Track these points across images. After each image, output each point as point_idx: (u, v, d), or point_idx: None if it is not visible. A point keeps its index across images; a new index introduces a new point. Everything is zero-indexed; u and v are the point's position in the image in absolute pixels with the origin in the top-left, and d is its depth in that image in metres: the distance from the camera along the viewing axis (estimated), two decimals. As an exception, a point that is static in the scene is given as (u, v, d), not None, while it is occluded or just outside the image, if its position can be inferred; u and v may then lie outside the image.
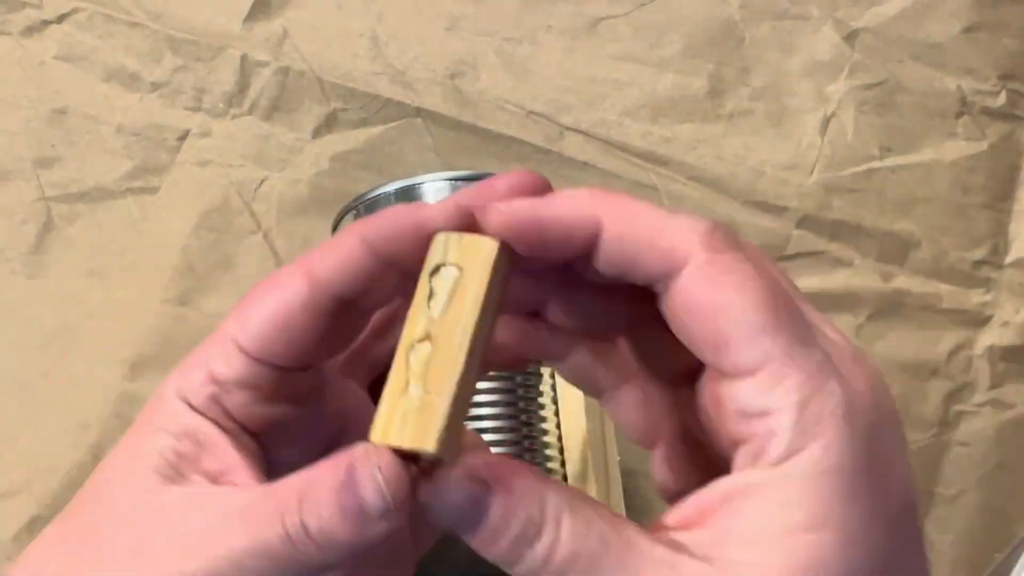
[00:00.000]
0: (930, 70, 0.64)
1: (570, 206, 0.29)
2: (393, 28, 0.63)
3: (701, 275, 0.29)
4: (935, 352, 0.61)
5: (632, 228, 0.30)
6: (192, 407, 0.31)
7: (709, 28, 0.64)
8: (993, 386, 0.60)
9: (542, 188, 0.31)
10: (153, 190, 0.61)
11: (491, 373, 0.47)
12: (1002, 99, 0.64)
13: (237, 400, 0.32)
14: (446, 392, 0.28)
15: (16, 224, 0.60)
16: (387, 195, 0.51)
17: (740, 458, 0.28)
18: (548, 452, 0.47)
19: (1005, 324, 0.61)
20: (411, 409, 0.28)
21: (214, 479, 0.31)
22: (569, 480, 0.47)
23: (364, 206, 0.52)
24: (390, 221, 0.31)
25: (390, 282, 0.31)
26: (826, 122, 0.63)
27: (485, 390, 0.47)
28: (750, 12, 0.65)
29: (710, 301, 0.29)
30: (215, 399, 0.31)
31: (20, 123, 0.61)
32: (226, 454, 0.31)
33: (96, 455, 0.56)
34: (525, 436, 0.47)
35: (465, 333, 0.29)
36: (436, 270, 0.29)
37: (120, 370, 0.57)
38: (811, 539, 0.26)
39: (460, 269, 0.29)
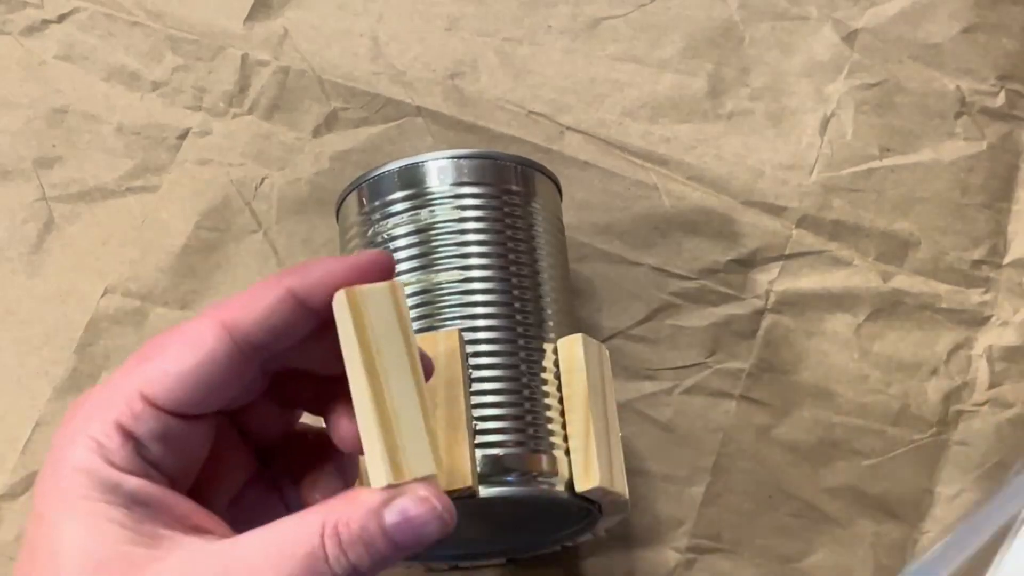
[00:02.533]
0: (929, 70, 0.65)
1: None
2: (393, 28, 0.63)
3: None
4: (934, 352, 0.61)
5: None
6: (118, 467, 0.31)
7: (709, 28, 0.64)
8: (992, 386, 0.60)
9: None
10: (153, 189, 0.61)
11: (494, 348, 0.47)
12: (1001, 99, 0.64)
13: (155, 452, 0.32)
14: (424, 421, 0.32)
15: (17, 224, 0.60)
16: (391, 173, 0.51)
17: None
18: (551, 427, 0.48)
19: (1004, 324, 0.61)
20: (406, 445, 0.31)
21: (184, 531, 0.31)
22: (571, 454, 0.47)
23: (368, 185, 0.52)
24: (320, 273, 0.32)
25: (309, 327, 0.33)
26: (826, 122, 0.63)
27: (488, 365, 0.47)
28: (750, 12, 0.65)
29: None
30: (138, 454, 0.31)
31: (21, 123, 0.61)
32: (179, 506, 0.32)
33: (96, 454, 0.56)
34: (528, 411, 0.47)
35: (415, 371, 0.32)
36: (365, 315, 0.32)
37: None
38: None
39: (389, 314, 0.33)
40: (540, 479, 0.46)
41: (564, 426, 0.48)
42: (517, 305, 0.49)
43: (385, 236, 0.50)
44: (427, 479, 0.31)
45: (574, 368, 0.48)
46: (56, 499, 0.31)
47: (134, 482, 0.31)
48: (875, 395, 0.59)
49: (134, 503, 0.31)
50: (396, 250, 0.50)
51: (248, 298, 0.32)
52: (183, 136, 0.62)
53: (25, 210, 0.60)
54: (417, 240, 0.50)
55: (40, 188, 0.60)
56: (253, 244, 0.60)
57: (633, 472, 0.57)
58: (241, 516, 0.35)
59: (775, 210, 0.62)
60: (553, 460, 0.47)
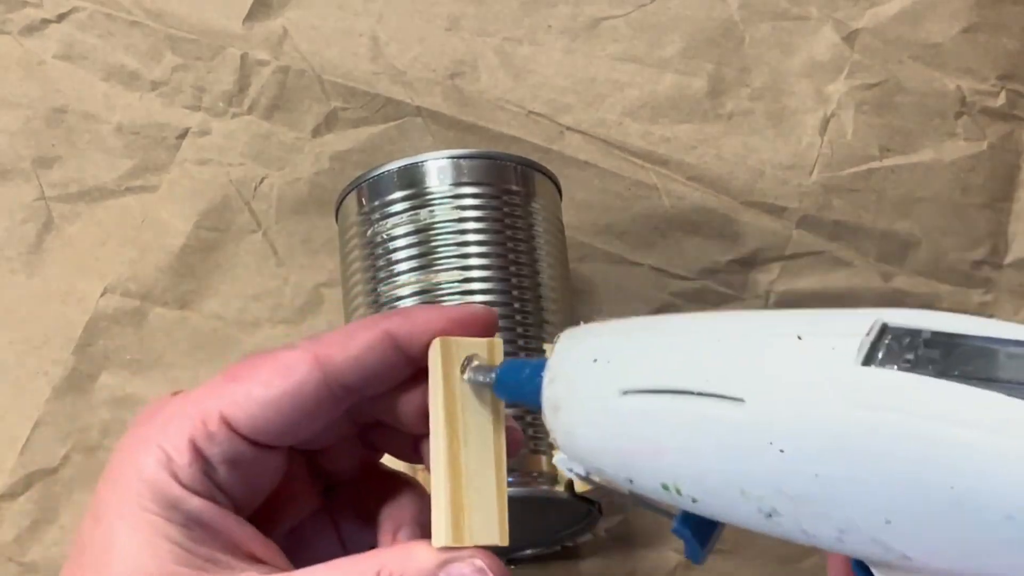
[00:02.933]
0: (930, 70, 0.65)
1: None
2: (393, 28, 0.63)
3: None
4: (935, 352, 0.61)
5: None
6: (183, 485, 0.31)
7: (709, 28, 0.64)
8: (992, 386, 0.60)
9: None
10: (153, 189, 0.61)
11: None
12: (1001, 99, 0.64)
13: (223, 476, 0.31)
14: (496, 488, 0.31)
15: (16, 223, 0.60)
16: (390, 173, 0.51)
17: None
18: None
19: (1004, 324, 0.61)
20: (475, 510, 0.31)
21: (240, 558, 0.31)
22: None
23: (367, 184, 0.52)
24: (423, 320, 0.32)
25: (401, 375, 0.33)
26: (826, 122, 0.63)
27: None
28: (750, 12, 0.65)
29: None
30: (206, 475, 0.31)
31: (20, 122, 0.61)
32: (238, 531, 0.31)
33: (96, 457, 0.56)
34: (528, 411, 0.47)
35: (498, 435, 0.32)
36: (457, 369, 0.32)
37: (121, 370, 0.57)
38: None
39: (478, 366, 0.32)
40: (540, 479, 0.46)
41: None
42: (517, 305, 0.49)
43: (385, 236, 0.50)
44: (487, 549, 0.31)
45: None
46: (116, 504, 0.31)
47: (196, 502, 0.31)
48: (875, 395, 0.59)
49: (193, 523, 0.30)
50: (395, 250, 0.50)
51: (345, 335, 0.32)
52: (183, 136, 0.61)
53: (24, 210, 0.60)
54: (417, 240, 0.50)
55: (39, 188, 0.60)
56: (253, 244, 0.60)
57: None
58: (296, 546, 0.35)
59: (775, 210, 0.62)
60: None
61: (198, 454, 0.31)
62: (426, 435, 0.33)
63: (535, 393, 0.31)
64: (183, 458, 0.30)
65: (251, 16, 0.63)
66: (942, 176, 0.63)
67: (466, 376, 0.32)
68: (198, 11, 0.63)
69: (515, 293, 0.49)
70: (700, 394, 0.27)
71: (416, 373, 0.33)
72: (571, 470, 0.31)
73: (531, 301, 0.50)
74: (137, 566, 0.30)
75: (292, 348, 0.32)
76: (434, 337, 0.32)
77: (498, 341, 0.32)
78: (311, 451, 0.35)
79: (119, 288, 0.59)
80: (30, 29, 0.62)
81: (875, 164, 0.63)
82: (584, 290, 0.59)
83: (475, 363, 0.32)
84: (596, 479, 0.31)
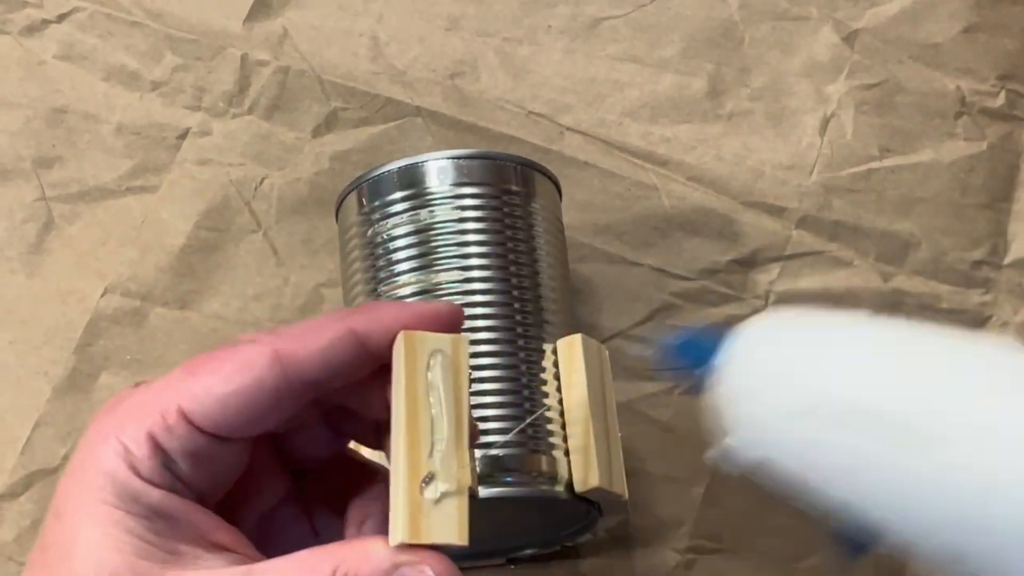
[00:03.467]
0: (929, 70, 0.65)
1: None
2: (393, 28, 0.63)
3: None
4: (934, 352, 0.61)
5: None
6: (143, 478, 0.30)
7: (709, 28, 0.64)
8: (992, 386, 0.60)
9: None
10: (153, 189, 0.61)
11: (494, 348, 0.47)
12: (1001, 99, 0.64)
13: (183, 468, 0.31)
14: (457, 486, 0.31)
15: (16, 223, 0.60)
16: (390, 173, 0.51)
17: None
18: (550, 427, 0.48)
19: (1004, 324, 0.61)
20: (433, 506, 0.30)
21: (205, 548, 0.31)
22: (571, 454, 0.47)
23: (368, 184, 0.52)
24: (386, 318, 0.32)
25: (364, 370, 0.33)
26: (826, 122, 0.63)
27: (488, 365, 0.47)
28: (750, 12, 0.65)
29: None
30: (166, 467, 0.31)
31: (20, 123, 0.61)
32: (203, 522, 0.31)
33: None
34: (528, 412, 0.47)
35: (467, 427, 0.31)
36: (421, 363, 0.31)
37: (121, 370, 0.57)
38: None
39: (448, 358, 0.32)
40: (539, 479, 0.46)
41: (564, 426, 0.48)
42: (517, 306, 0.49)
43: (385, 236, 0.50)
44: (441, 550, 0.30)
45: (574, 368, 0.48)
46: (77, 499, 0.31)
47: (157, 494, 0.30)
48: (875, 395, 0.59)
49: (155, 515, 0.30)
50: (395, 250, 0.50)
51: (307, 331, 0.32)
52: (183, 136, 0.61)
53: (25, 210, 0.60)
54: (417, 240, 0.50)
55: (40, 188, 0.60)
56: (253, 244, 0.60)
57: (633, 472, 0.57)
58: (269, 534, 0.35)
59: (775, 210, 0.62)
60: (552, 460, 0.47)
61: (157, 448, 0.31)
62: (388, 421, 0.33)
63: (706, 368, 0.30)
64: (142, 451, 0.30)
65: (251, 16, 0.63)
66: (942, 176, 0.63)
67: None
68: (198, 11, 0.63)
69: (515, 293, 0.49)
70: (898, 426, 0.26)
71: (383, 368, 0.33)
72: (736, 461, 0.30)
73: (531, 301, 0.50)
74: (99, 561, 0.30)
75: (253, 343, 0.31)
76: (392, 333, 0.32)
77: (464, 336, 0.32)
78: (276, 435, 0.35)
79: (119, 288, 0.59)
80: (30, 29, 0.62)
81: (875, 164, 0.63)
82: (584, 290, 0.59)
83: (449, 350, 0.32)
84: (766, 477, 0.30)
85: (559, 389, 0.49)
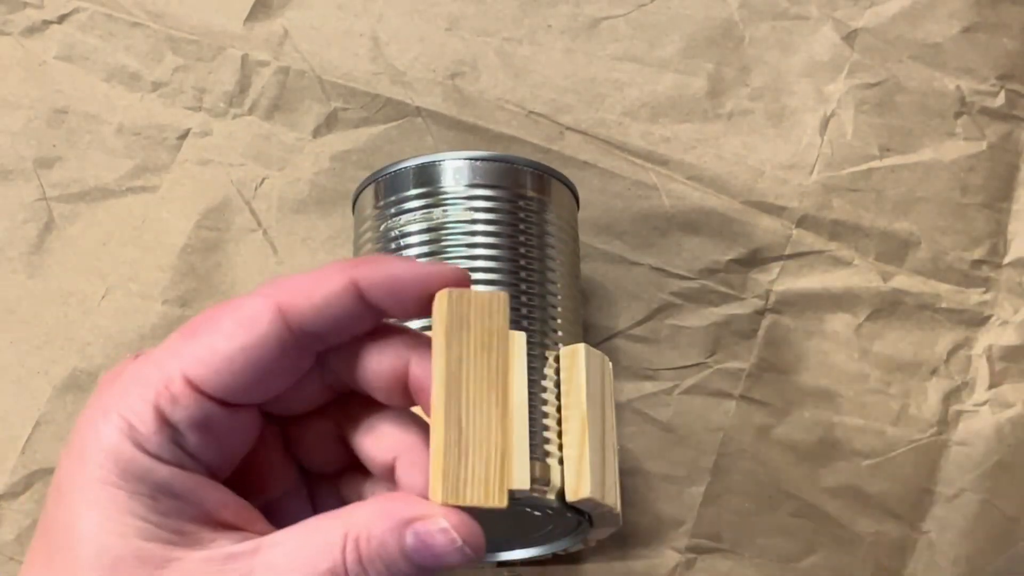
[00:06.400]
0: (929, 70, 0.65)
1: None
2: (393, 28, 0.63)
3: None
4: (934, 352, 0.61)
5: None
6: (150, 454, 0.29)
7: (709, 28, 0.64)
8: (992, 385, 0.60)
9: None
10: (153, 189, 0.61)
11: None
12: (1001, 99, 0.64)
13: (191, 440, 0.30)
14: (501, 447, 0.30)
15: (17, 224, 0.60)
16: (407, 170, 0.52)
17: None
18: (547, 435, 0.47)
19: (1004, 324, 0.61)
20: (475, 467, 0.30)
21: (211, 527, 0.30)
22: (564, 463, 0.47)
23: (384, 180, 0.52)
24: (389, 271, 0.31)
25: (365, 325, 0.31)
26: (826, 122, 0.63)
27: None
28: (750, 12, 0.65)
29: None
30: (173, 441, 0.29)
31: (21, 123, 0.61)
32: (211, 497, 0.30)
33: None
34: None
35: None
36: (459, 324, 0.31)
37: (121, 369, 0.58)
38: None
39: (487, 324, 0.31)
40: (531, 485, 0.46)
41: (560, 435, 0.48)
42: (523, 311, 0.49)
43: (397, 232, 0.50)
44: (467, 509, 0.30)
45: (574, 377, 0.48)
46: (78, 478, 0.29)
47: (164, 471, 0.29)
48: (875, 395, 0.59)
49: (161, 493, 0.29)
50: (407, 247, 0.50)
51: (308, 282, 0.30)
52: (183, 136, 0.62)
53: (25, 210, 0.60)
54: (428, 238, 0.50)
55: (40, 188, 0.60)
56: (253, 244, 0.60)
57: (633, 472, 0.57)
58: (272, 521, 0.33)
59: (775, 210, 0.62)
60: (546, 467, 0.47)
61: (163, 420, 0.29)
62: (395, 408, 0.32)
63: None
64: (147, 426, 0.29)
65: (251, 17, 0.63)
66: (942, 176, 0.63)
67: None
68: (199, 12, 0.63)
69: (523, 299, 0.49)
70: None
71: (379, 331, 0.32)
72: None
73: (537, 308, 0.50)
74: (102, 546, 0.29)
75: (252, 295, 0.30)
76: (399, 289, 0.31)
77: (504, 295, 0.31)
78: (288, 431, 0.34)
79: (120, 288, 0.59)
80: (31, 30, 0.62)
81: (875, 164, 0.63)
82: (584, 290, 0.59)
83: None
84: None
85: (559, 397, 0.48)
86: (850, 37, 0.65)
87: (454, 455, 0.30)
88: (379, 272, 0.31)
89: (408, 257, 0.32)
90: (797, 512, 0.58)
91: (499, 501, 0.30)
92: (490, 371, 0.31)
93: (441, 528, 0.29)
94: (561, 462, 0.47)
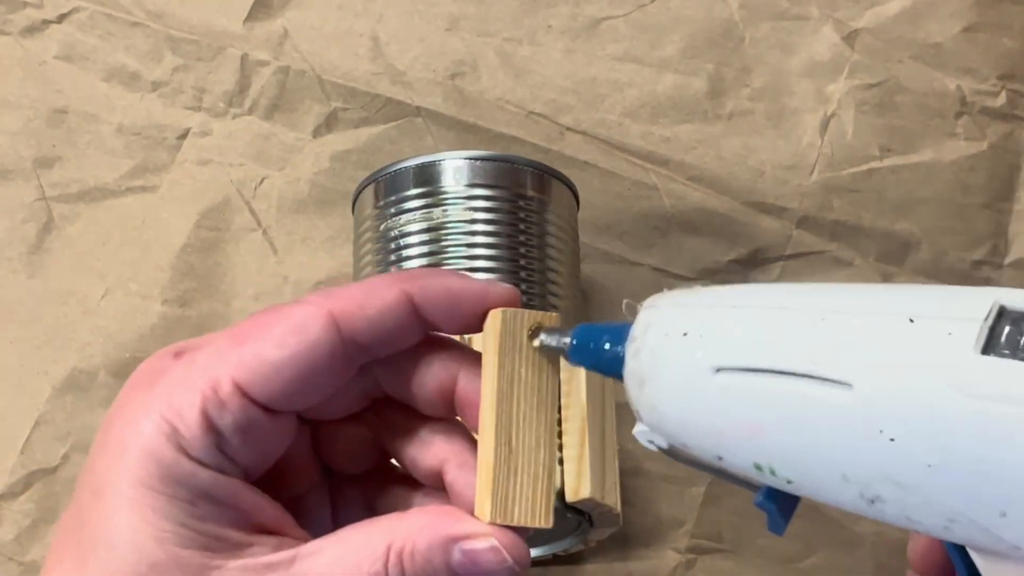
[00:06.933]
0: (930, 70, 0.65)
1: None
2: (393, 28, 0.63)
3: None
4: (935, 352, 0.61)
5: None
6: (193, 459, 0.29)
7: (709, 28, 0.64)
8: (993, 386, 0.60)
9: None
10: (153, 189, 0.61)
11: None
12: (1002, 99, 0.64)
13: (234, 445, 0.30)
14: (547, 468, 0.31)
15: (16, 223, 0.60)
16: (407, 169, 0.52)
17: None
18: None
19: (1005, 324, 0.61)
20: (523, 487, 0.30)
21: (249, 532, 0.30)
22: (564, 463, 0.47)
23: (384, 180, 0.52)
24: (445, 285, 0.31)
25: (415, 337, 0.32)
26: (826, 122, 0.63)
27: None
28: (750, 12, 0.65)
29: None
30: (217, 447, 0.29)
31: (20, 123, 0.61)
32: (249, 502, 0.30)
33: (96, 454, 0.56)
34: None
35: (552, 412, 0.32)
36: (512, 344, 0.31)
37: (121, 371, 0.57)
38: None
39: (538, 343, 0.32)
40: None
41: (560, 435, 0.48)
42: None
43: (397, 232, 0.50)
44: (524, 530, 0.30)
45: (574, 377, 0.48)
46: (116, 480, 0.29)
47: (206, 476, 0.29)
48: (875, 395, 0.59)
49: (200, 499, 0.29)
50: (407, 246, 0.50)
51: (362, 293, 0.30)
52: (183, 136, 0.62)
53: (25, 210, 0.60)
54: (428, 238, 0.50)
55: (40, 188, 0.60)
56: (253, 243, 0.60)
57: (633, 472, 0.57)
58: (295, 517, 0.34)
59: (775, 210, 0.62)
60: None
61: (209, 425, 0.29)
62: (436, 418, 0.32)
63: (615, 362, 0.30)
64: (192, 430, 0.29)
65: (251, 16, 0.63)
66: (942, 176, 0.63)
67: (538, 341, 0.31)
68: (198, 12, 0.63)
69: (523, 299, 0.49)
70: (804, 376, 0.26)
71: (429, 343, 0.32)
72: (652, 442, 0.30)
73: (537, 306, 0.50)
74: (139, 551, 0.28)
75: (304, 303, 0.30)
76: (453, 303, 0.31)
77: (556, 316, 0.32)
78: (316, 431, 0.34)
79: (120, 288, 0.59)
80: (31, 30, 0.62)
81: (875, 164, 0.63)
82: (584, 290, 0.59)
83: (547, 326, 0.31)
84: (680, 454, 0.30)
85: (559, 397, 0.48)
86: (850, 37, 0.65)
87: (503, 473, 0.30)
88: (434, 286, 0.31)
89: (461, 272, 0.32)
90: (797, 512, 0.58)
91: (545, 522, 0.30)
92: (540, 391, 0.31)
93: (492, 547, 0.29)
94: (561, 462, 0.47)
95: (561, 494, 0.47)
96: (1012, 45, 0.65)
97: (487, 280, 0.32)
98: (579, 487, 0.46)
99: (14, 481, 0.55)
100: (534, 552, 0.54)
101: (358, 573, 0.29)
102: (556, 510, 0.46)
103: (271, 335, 0.29)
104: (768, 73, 0.64)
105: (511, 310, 0.31)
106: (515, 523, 0.30)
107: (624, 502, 0.52)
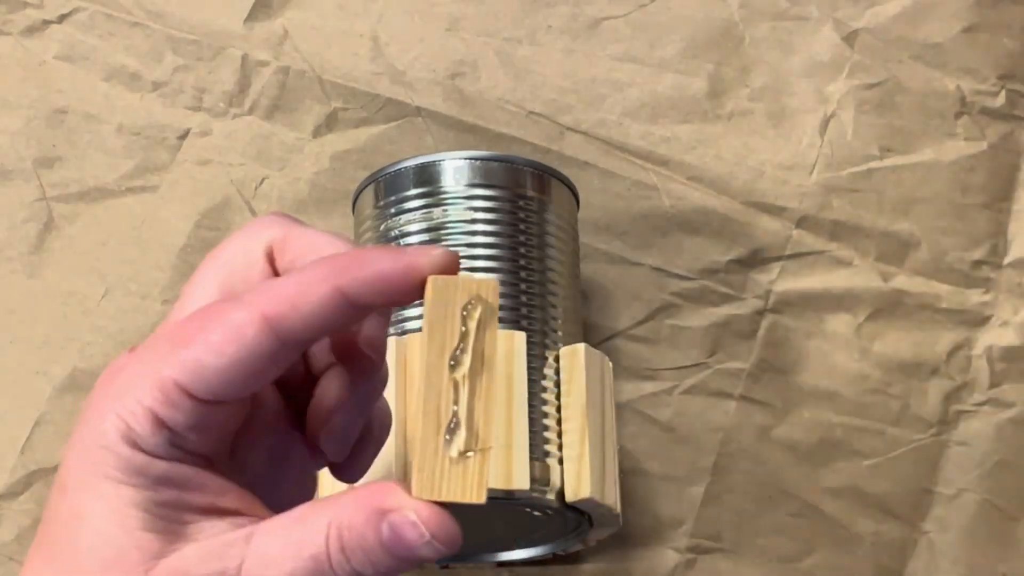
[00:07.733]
0: (930, 70, 0.65)
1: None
2: (393, 28, 0.63)
3: None
4: (934, 352, 0.61)
5: None
6: (147, 452, 0.30)
7: (709, 28, 0.64)
8: (992, 386, 0.60)
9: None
10: (153, 189, 0.61)
11: None
12: (1001, 99, 0.64)
13: (188, 438, 0.31)
14: (486, 443, 0.29)
15: (17, 224, 0.60)
16: (406, 170, 0.52)
17: None
18: (547, 435, 0.47)
19: (1004, 324, 0.61)
20: (450, 463, 0.29)
21: (212, 514, 0.31)
22: (564, 463, 0.47)
23: (384, 179, 0.52)
24: (375, 269, 0.31)
25: (356, 320, 0.32)
26: (826, 122, 0.63)
27: None
28: (750, 12, 0.65)
29: None
30: (169, 441, 0.30)
31: (21, 123, 0.61)
32: (209, 485, 0.31)
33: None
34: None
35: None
36: (443, 313, 0.30)
37: (120, 369, 0.57)
38: None
39: (480, 309, 0.30)
40: (532, 486, 0.46)
41: (560, 435, 0.48)
42: (523, 311, 0.49)
43: (397, 232, 0.51)
44: (458, 505, 0.29)
45: (574, 377, 0.48)
46: (81, 474, 0.30)
47: (162, 465, 0.30)
48: (875, 395, 0.59)
49: (160, 485, 0.30)
50: (407, 246, 0.50)
51: (294, 293, 0.30)
52: (183, 136, 0.62)
53: (25, 210, 0.60)
54: (428, 238, 0.50)
55: (40, 188, 0.60)
56: (253, 244, 0.60)
57: (633, 472, 0.57)
58: (279, 464, 0.35)
59: (775, 210, 0.62)
60: (546, 468, 0.46)
61: (158, 422, 0.30)
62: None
63: None
64: (145, 428, 0.30)
65: (251, 16, 0.63)
66: (942, 176, 0.63)
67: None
68: (199, 12, 0.63)
69: (523, 298, 0.49)
70: None
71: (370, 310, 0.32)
72: None
73: (537, 308, 0.50)
74: (105, 537, 0.29)
75: (239, 306, 0.30)
76: (388, 290, 0.30)
77: (494, 282, 0.30)
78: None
79: (120, 288, 0.59)
80: (31, 30, 0.62)
81: (875, 164, 0.63)
82: (584, 290, 0.59)
83: (483, 296, 0.30)
84: None
85: (558, 397, 0.48)
86: (850, 37, 0.65)
87: (431, 448, 0.29)
88: (363, 273, 0.31)
89: (394, 247, 0.31)
90: (797, 512, 0.58)
91: (477, 497, 0.29)
92: (474, 362, 0.30)
93: (411, 521, 0.29)
94: (561, 462, 0.47)
95: (561, 494, 0.47)
96: (1012, 45, 0.65)
97: (423, 248, 0.31)
98: (579, 487, 0.46)
99: (14, 481, 0.55)
100: (535, 552, 0.54)
101: (304, 547, 0.30)
102: (555, 509, 0.47)
103: (209, 342, 0.30)
104: (768, 73, 0.64)
105: (442, 278, 0.30)
106: (442, 499, 0.29)
107: (624, 502, 0.52)
